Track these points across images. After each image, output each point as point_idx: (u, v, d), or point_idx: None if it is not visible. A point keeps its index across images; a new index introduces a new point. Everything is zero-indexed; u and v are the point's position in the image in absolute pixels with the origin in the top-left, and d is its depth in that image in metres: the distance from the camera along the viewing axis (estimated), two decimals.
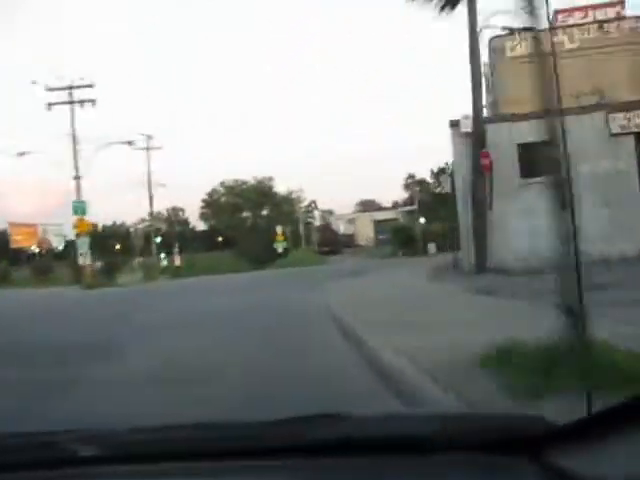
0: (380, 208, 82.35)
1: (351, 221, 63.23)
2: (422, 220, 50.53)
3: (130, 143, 39.18)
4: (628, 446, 1.23)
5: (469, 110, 20.15)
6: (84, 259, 35.55)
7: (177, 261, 51.65)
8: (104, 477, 1.53)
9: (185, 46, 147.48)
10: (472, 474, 1.43)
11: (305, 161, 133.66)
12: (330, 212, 74.76)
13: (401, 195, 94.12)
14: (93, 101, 37.62)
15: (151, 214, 51.54)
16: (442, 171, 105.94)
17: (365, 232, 60.66)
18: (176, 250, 52.39)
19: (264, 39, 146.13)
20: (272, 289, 21.66)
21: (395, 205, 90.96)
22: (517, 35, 34.05)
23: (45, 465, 1.53)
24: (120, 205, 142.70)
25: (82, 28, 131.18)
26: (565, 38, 33.89)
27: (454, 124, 20.20)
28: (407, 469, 1.44)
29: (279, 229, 53.93)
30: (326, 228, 62.61)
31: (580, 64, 28.57)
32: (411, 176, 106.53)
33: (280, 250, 51.40)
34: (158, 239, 54.02)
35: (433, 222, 58.66)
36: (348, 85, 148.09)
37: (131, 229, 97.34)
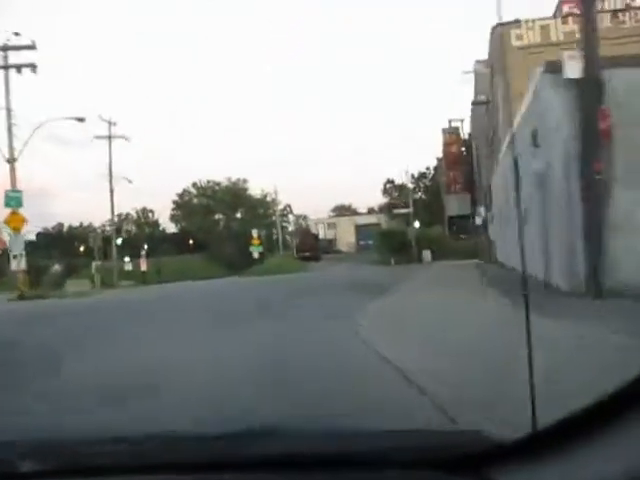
0: (356, 213, 79.18)
1: (331, 225, 58.76)
2: (416, 224, 45.93)
3: (81, 120, 33.50)
4: (567, 465, 1.22)
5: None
6: (18, 263, 28.34)
7: (143, 265, 47.46)
8: None
9: (160, 38, 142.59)
10: None
11: (279, 164, 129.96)
12: (304, 217, 71.17)
13: (378, 201, 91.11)
14: (33, 66, 30.38)
15: (112, 211, 46.67)
16: (423, 176, 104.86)
17: (346, 237, 56.59)
18: (143, 253, 48.17)
19: (243, 34, 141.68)
20: (265, 313, 12.71)
21: (371, 211, 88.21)
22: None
23: None
24: (91, 205, 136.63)
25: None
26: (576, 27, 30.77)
27: (552, 68, 12.72)
28: None
29: (255, 233, 50.01)
30: (306, 232, 58.15)
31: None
32: (390, 181, 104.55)
33: (256, 255, 47.45)
34: (119, 240, 49.17)
35: (422, 227, 55.59)
36: (325, 85, 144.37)
37: (98, 230, 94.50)
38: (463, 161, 69.27)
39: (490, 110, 37.62)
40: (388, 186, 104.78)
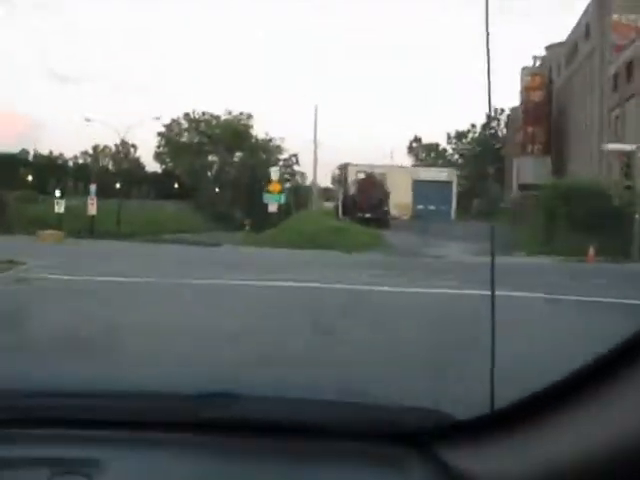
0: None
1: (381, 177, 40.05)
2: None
3: None
4: (517, 446, 1.23)
5: None
6: None
7: (92, 208, 29.83)
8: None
9: None
10: (358, 462, 1.45)
11: (285, 107, 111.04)
12: (344, 165, 52.60)
13: (403, 160, 72.95)
14: None
15: None
16: (463, 135, 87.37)
17: (397, 197, 38.28)
18: (92, 189, 30.60)
19: None
20: None
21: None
22: None
23: None
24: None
25: None
26: None
27: None
28: (294, 453, 1.46)
29: (275, 173, 31.90)
30: (371, 183, 38.44)
31: None
32: (417, 139, 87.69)
33: (273, 209, 29.56)
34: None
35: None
36: (337, 23, 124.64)
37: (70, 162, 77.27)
38: (547, 113, 52.19)
39: None
40: (414, 145, 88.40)
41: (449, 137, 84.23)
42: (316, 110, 46.96)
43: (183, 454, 1.45)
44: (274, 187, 29.69)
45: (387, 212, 36.28)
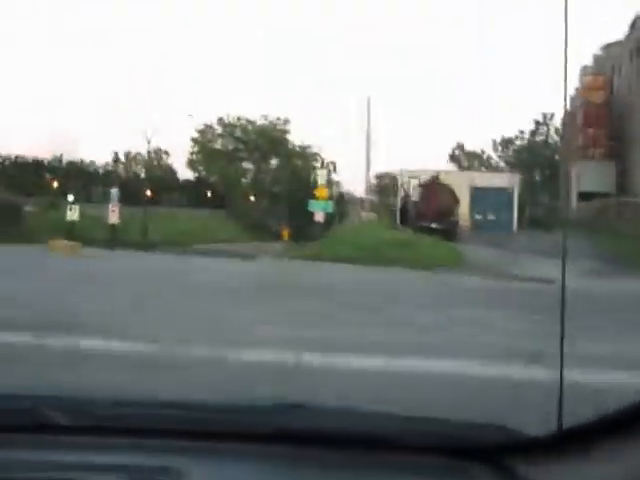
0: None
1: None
2: None
3: None
4: (589, 465, 1.25)
5: None
6: None
7: (113, 216, 26.40)
8: (75, 447, 1.51)
9: None
10: (432, 475, 1.45)
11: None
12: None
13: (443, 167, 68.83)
14: None
15: None
16: (509, 142, 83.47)
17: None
18: (114, 194, 27.15)
19: None
20: None
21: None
22: None
23: (18, 430, 1.53)
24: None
25: None
26: None
27: None
28: (366, 465, 1.47)
29: (322, 176, 27.74)
30: (438, 187, 33.55)
31: None
32: (460, 145, 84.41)
33: (319, 218, 25.58)
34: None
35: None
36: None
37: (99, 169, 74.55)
38: (608, 115, 48.12)
39: None
40: (457, 152, 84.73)
41: (495, 144, 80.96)
42: (368, 104, 42.96)
43: (262, 465, 1.47)
44: (321, 192, 25.60)
45: (456, 222, 31.98)
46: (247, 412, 1.60)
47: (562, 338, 1.58)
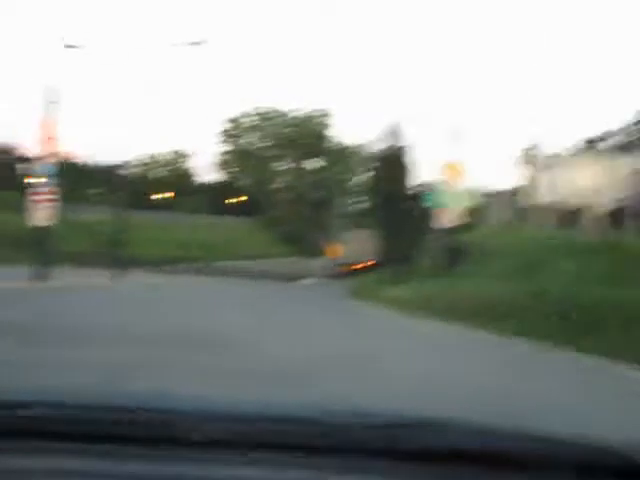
0: None
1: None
2: None
3: None
4: None
5: None
6: None
7: (40, 213, 15.53)
8: (202, 461, 1.48)
9: None
10: None
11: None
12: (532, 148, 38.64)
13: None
14: None
15: None
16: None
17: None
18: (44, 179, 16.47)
19: None
20: None
21: None
22: None
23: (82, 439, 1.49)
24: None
25: None
26: None
27: None
28: None
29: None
30: None
31: None
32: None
33: (451, 221, 14.09)
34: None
35: None
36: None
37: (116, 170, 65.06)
38: None
39: None
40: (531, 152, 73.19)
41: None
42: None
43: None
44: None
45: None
46: (365, 429, 1.55)
47: None
